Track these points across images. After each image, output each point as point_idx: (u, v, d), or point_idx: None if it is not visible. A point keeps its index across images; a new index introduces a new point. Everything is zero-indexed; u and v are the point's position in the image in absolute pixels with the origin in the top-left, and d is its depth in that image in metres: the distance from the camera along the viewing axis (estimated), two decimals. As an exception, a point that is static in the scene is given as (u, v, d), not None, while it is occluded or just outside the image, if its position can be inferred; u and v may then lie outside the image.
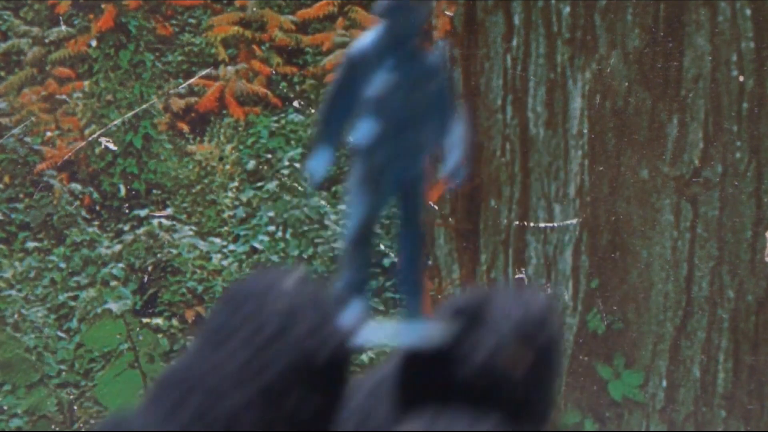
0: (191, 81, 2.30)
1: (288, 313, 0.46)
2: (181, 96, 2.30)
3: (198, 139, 2.31)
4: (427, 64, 0.53)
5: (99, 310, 2.25)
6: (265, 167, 2.30)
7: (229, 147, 2.30)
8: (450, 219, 2.20)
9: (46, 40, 2.29)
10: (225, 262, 2.27)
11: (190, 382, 0.45)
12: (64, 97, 2.29)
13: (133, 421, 0.45)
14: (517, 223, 2.17)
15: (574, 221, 2.17)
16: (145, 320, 2.26)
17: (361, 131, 0.52)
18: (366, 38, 0.52)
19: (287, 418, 0.45)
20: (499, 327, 0.48)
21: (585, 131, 2.17)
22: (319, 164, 0.53)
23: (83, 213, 2.28)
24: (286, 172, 2.29)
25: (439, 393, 0.49)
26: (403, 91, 0.52)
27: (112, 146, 2.28)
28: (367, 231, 0.53)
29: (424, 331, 0.51)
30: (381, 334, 0.52)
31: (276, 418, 0.45)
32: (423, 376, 0.50)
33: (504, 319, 0.48)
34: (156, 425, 0.44)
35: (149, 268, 2.27)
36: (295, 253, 2.26)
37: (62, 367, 2.24)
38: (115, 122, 2.28)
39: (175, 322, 2.26)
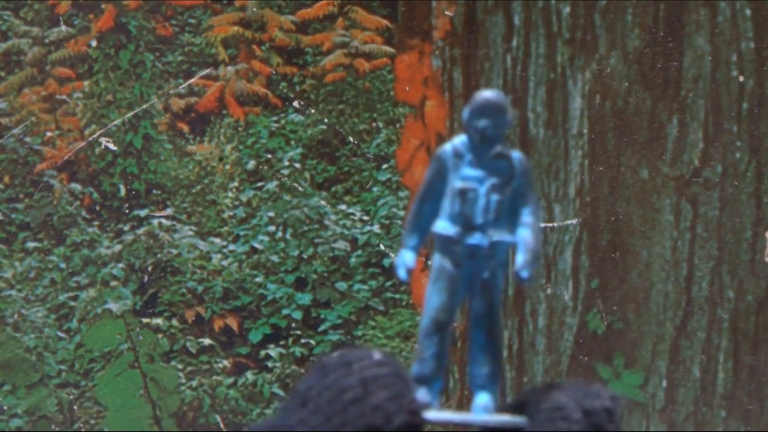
0: (191, 81, 2.30)
1: (371, 380, 0.48)
2: (181, 96, 2.30)
3: (198, 139, 2.31)
4: (510, 164, 0.55)
5: (99, 310, 2.24)
6: (265, 167, 2.30)
7: (229, 147, 2.30)
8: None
9: (46, 40, 2.29)
10: (225, 262, 2.27)
11: None
12: (64, 97, 2.29)
13: None
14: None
15: (574, 221, 2.17)
16: (145, 320, 2.26)
17: (444, 224, 0.55)
18: (456, 138, 0.55)
19: None
20: (569, 415, 0.49)
21: (585, 131, 2.17)
22: (408, 257, 0.55)
23: (83, 213, 2.28)
24: (286, 172, 2.29)
25: None
26: (486, 186, 0.54)
27: (112, 146, 2.28)
28: (440, 324, 0.55)
29: (492, 419, 0.53)
30: (452, 415, 0.53)
31: None
32: None
33: (575, 408, 0.49)
34: None
35: (149, 268, 2.27)
36: (295, 253, 2.26)
37: (62, 367, 2.24)
38: (115, 122, 2.28)
39: (175, 322, 2.26)
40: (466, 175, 0.55)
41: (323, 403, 0.48)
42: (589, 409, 0.49)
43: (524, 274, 0.54)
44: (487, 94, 0.55)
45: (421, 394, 0.52)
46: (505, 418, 0.52)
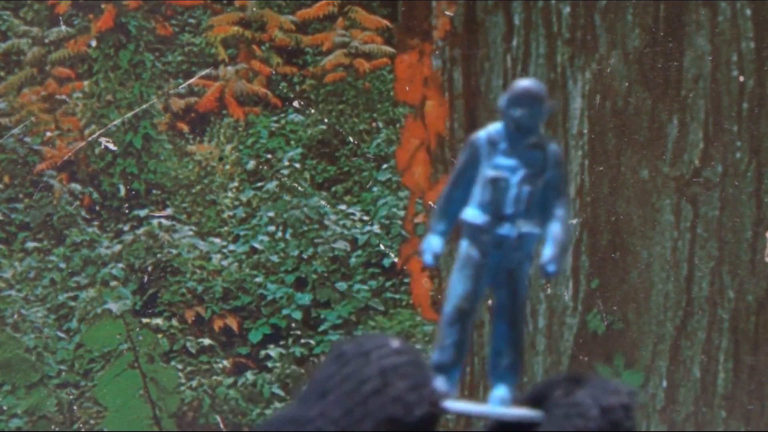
0: (191, 81, 2.30)
1: (391, 370, 0.48)
2: (181, 96, 2.30)
3: (198, 139, 2.30)
4: (544, 155, 0.55)
5: (99, 310, 2.24)
6: (265, 167, 2.29)
7: (229, 147, 2.30)
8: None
9: (46, 40, 2.29)
10: (225, 262, 2.27)
11: (292, 429, 0.46)
12: (64, 97, 2.29)
13: None
14: (517, 223, 2.17)
15: (574, 221, 2.17)
16: (145, 320, 2.26)
17: (473, 212, 0.54)
18: (492, 126, 0.55)
19: None
20: (587, 412, 0.49)
21: (585, 131, 2.17)
22: (435, 242, 0.55)
23: (83, 213, 2.28)
24: (286, 172, 2.29)
25: None
26: (518, 177, 0.54)
27: (112, 146, 2.28)
28: (463, 313, 0.54)
29: (510, 411, 0.53)
30: (469, 406, 0.53)
31: None
32: None
33: (592, 405, 0.49)
34: None
35: (149, 268, 2.27)
36: (295, 253, 2.26)
37: (62, 367, 2.24)
38: (115, 122, 2.28)
39: (175, 322, 2.26)
40: (499, 164, 0.55)
41: (343, 394, 0.48)
42: (606, 407, 0.49)
43: (551, 268, 0.54)
44: (525, 83, 0.55)
45: (440, 383, 0.52)
46: (521, 412, 0.52)
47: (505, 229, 0.55)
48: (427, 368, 0.50)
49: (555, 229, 0.55)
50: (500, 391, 0.54)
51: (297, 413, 0.48)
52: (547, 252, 0.55)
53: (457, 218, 0.56)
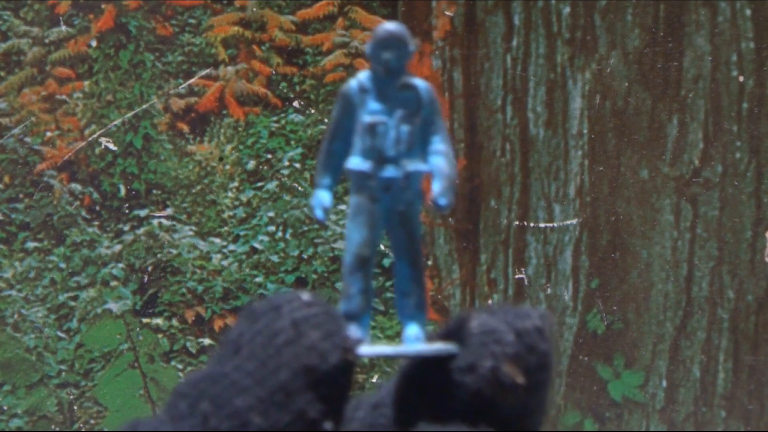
0: (191, 81, 2.30)
1: (303, 321, 0.48)
2: (181, 96, 2.30)
3: (198, 139, 2.30)
4: (417, 94, 0.55)
5: (99, 310, 2.24)
6: (265, 167, 2.30)
7: (229, 147, 2.30)
8: (450, 219, 2.20)
9: (46, 40, 2.29)
10: (225, 262, 2.27)
11: (201, 387, 0.47)
12: (64, 97, 2.29)
13: (145, 425, 0.46)
14: (517, 223, 2.17)
15: (574, 221, 2.17)
16: (145, 320, 2.26)
17: (356, 160, 0.55)
18: (360, 74, 0.56)
19: (293, 421, 0.46)
20: (502, 338, 0.49)
21: (585, 131, 2.17)
22: (324, 196, 0.56)
23: (83, 213, 2.28)
24: (286, 172, 2.29)
25: (441, 404, 0.50)
26: (395, 118, 0.55)
27: (112, 146, 2.28)
28: (363, 260, 0.55)
29: (425, 347, 0.53)
30: (385, 348, 0.54)
31: (282, 421, 0.46)
32: (425, 388, 0.51)
33: (507, 330, 0.49)
34: (164, 429, 0.46)
35: (149, 268, 2.27)
36: (295, 253, 2.26)
37: (62, 367, 2.24)
38: (115, 122, 2.28)
39: (175, 322, 2.26)
40: (374, 109, 0.55)
41: (256, 347, 0.48)
42: (520, 330, 0.50)
43: (442, 201, 0.55)
44: (388, 26, 0.56)
45: (352, 331, 0.53)
46: (438, 346, 0.52)
47: (391, 172, 0.55)
48: (338, 318, 0.51)
49: (439, 163, 0.56)
50: (413, 330, 0.55)
51: (211, 371, 0.48)
52: (436, 186, 0.56)
53: (340, 170, 0.56)
